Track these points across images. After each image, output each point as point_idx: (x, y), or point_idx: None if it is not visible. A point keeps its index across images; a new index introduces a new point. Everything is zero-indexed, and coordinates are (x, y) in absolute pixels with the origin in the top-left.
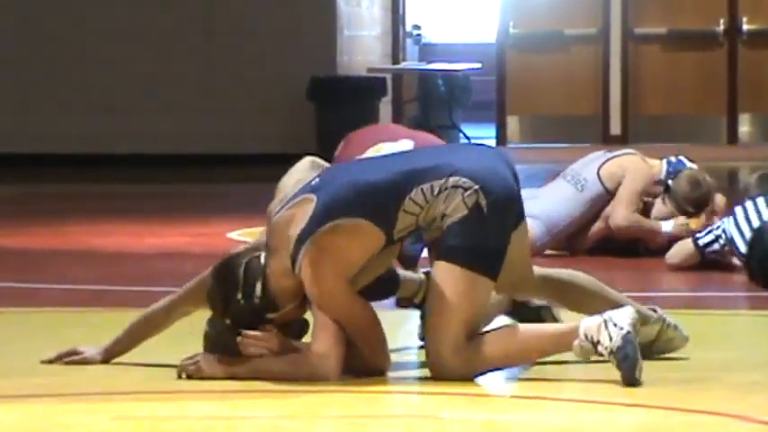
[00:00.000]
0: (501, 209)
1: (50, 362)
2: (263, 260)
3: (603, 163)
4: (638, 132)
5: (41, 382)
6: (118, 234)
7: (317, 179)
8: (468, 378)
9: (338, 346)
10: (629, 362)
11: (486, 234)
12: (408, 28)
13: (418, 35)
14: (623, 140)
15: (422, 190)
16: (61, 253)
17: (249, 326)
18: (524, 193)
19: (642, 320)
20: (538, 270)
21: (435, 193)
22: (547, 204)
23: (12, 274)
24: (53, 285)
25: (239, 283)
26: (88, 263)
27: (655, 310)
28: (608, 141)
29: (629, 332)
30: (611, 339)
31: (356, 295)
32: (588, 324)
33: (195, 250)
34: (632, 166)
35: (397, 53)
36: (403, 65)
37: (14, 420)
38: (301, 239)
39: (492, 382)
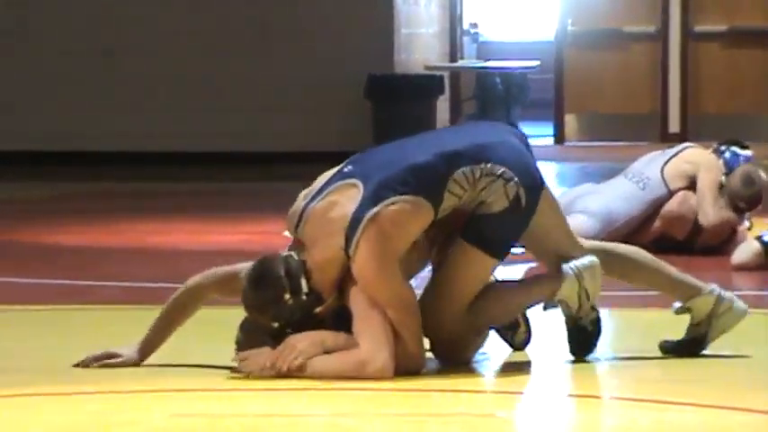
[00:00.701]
0: (535, 202)
1: (85, 366)
2: (296, 257)
3: (667, 161)
4: (696, 131)
5: (98, 379)
6: (174, 232)
7: (350, 167)
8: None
9: (389, 343)
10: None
11: (519, 227)
12: (466, 26)
13: (476, 33)
14: (682, 139)
15: (463, 172)
16: (117, 251)
17: (300, 324)
18: (584, 188)
19: (694, 292)
20: (591, 243)
21: (477, 177)
22: (606, 201)
23: (68, 272)
24: (109, 283)
25: (284, 283)
26: (144, 261)
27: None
28: (666, 140)
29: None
30: (579, 309)
31: (404, 279)
32: (565, 291)
33: (252, 248)
34: (702, 160)
35: (454, 51)
36: (460, 63)
37: (72, 419)
38: (357, 219)
39: (548, 380)
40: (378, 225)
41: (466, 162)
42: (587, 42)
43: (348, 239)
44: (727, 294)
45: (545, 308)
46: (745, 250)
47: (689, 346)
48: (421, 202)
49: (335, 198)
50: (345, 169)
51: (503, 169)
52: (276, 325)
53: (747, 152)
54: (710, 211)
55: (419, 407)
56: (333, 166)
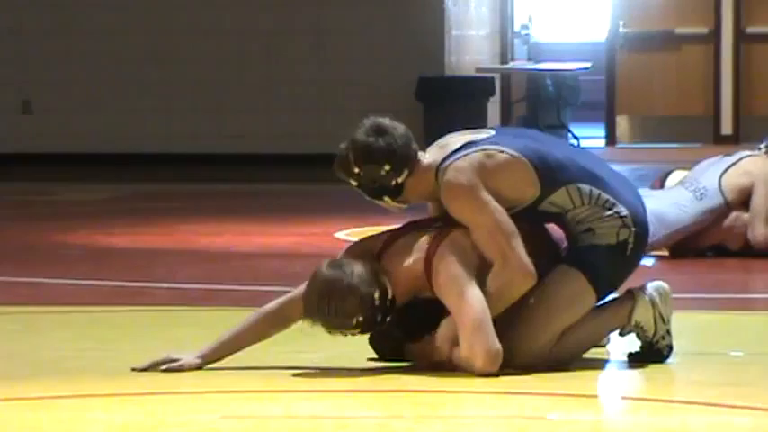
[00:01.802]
0: (639, 256)
1: (144, 370)
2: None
3: (725, 171)
4: (749, 133)
5: (150, 380)
6: (226, 233)
7: (494, 136)
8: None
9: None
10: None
11: (616, 270)
12: (517, 28)
13: (527, 35)
14: (734, 141)
15: (591, 189)
16: (169, 252)
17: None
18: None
19: (630, 306)
20: None
21: (600, 203)
22: (659, 205)
23: (121, 274)
24: (162, 284)
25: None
26: (196, 262)
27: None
28: (719, 142)
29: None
30: (655, 334)
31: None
32: (640, 315)
33: (304, 250)
34: (759, 171)
35: (505, 53)
36: (511, 65)
37: (125, 418)
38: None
39: (599, 382)
40: (481, 157)
41: (599, 186)
42: (639, 44)
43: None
44: (647, 287)
45: (621, 333)
46: None
47: (656, 353)
48: (533, 174)
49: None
50: (491, 137)
51: (625, 211)
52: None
53: None
54: (760, 231)
55: (469, 409)
56: None
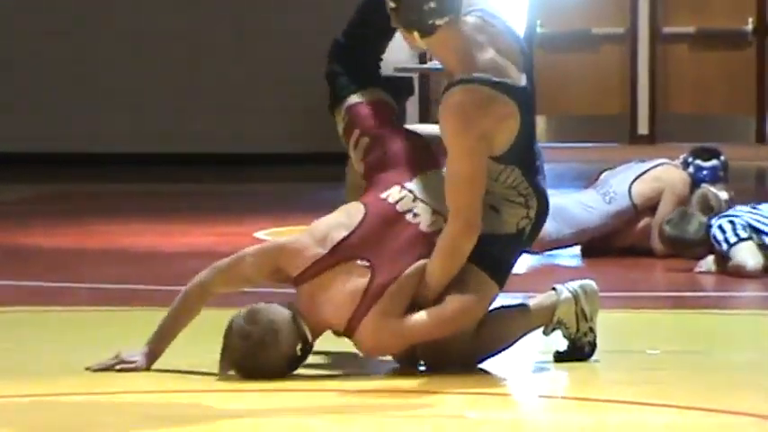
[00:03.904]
0: (531, 241)
1: (97, 370)
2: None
3: (638, 176)
4: (665, 132)
5: (73, 382)
6: (146, 233)
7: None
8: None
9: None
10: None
11: (512, 256)
12: None
13: None
14: (651, 140)
15: (521, 174)
16: (91, 252)
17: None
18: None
19: (553, 305)
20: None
21: (519, 188)
22: (564, 202)
23: (41, 274)
24: (83, 285)
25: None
26: (118, 262)
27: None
28: (635, 141)
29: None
30: (577, 331)
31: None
32: (563, 309)
33: (222, 249)
34: (670, 179)
35: (424, 53)
36: (430, 64)
37: (44, 421)
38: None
39: (518, 381)
40: (492, 93)
41: (528, 174)
42: (556, 43)
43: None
44: (571, 284)
45: (545, 332)
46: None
47: (578, 350)
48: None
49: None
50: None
51: (535, 204)
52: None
53: (713, 162)
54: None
55: (388, 408)
56: (302, 169)
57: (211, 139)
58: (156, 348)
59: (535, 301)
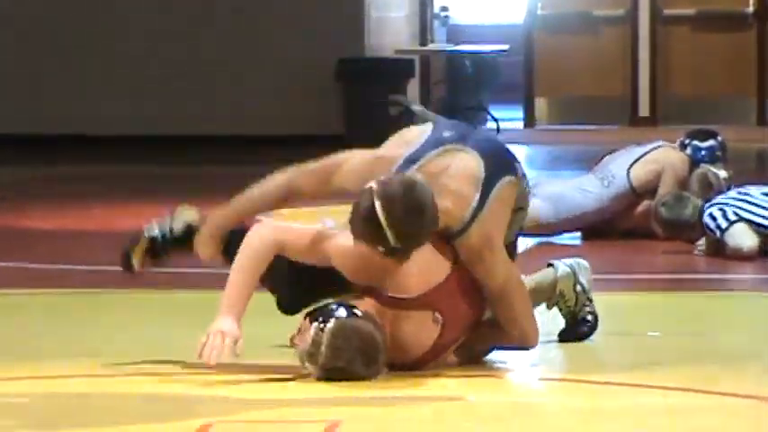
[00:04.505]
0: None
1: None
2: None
3: (637, 159)
4: (666, 114)
5: (73, 364)
6: (148, 216)
7: (452, 133)
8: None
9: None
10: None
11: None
12: (436, 9)
13: (446, 16)
14: (652, 122)
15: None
16: (90, 234)
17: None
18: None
19: (553, 280)
20: None
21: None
22: (561, 188)
23: (41, 256)
24: (82, 267)
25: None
26: (117, 245)
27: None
28: (636, 123)
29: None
30: (576, 303)
31: None
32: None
33: None
34: (668, 160)
35: (424, 34)
36: (430, 46)
37: (47, 402)
38: (484, 196)
39: (518, 364)
40: (499, 206)
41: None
42: (557, 25)
43: (472, 217)
44: (566, 260)
45: (549, 306)
46: (750, 235)
47: (582, 323)
48: (517, 183)
49: (450, 162)
50: (446, 134)
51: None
52: (381, 250)
53: (710, 142)
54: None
55: (390, 390)
56: (304, 150)
57: (210, 121)
58: (238, 307)
59: (534, 278)
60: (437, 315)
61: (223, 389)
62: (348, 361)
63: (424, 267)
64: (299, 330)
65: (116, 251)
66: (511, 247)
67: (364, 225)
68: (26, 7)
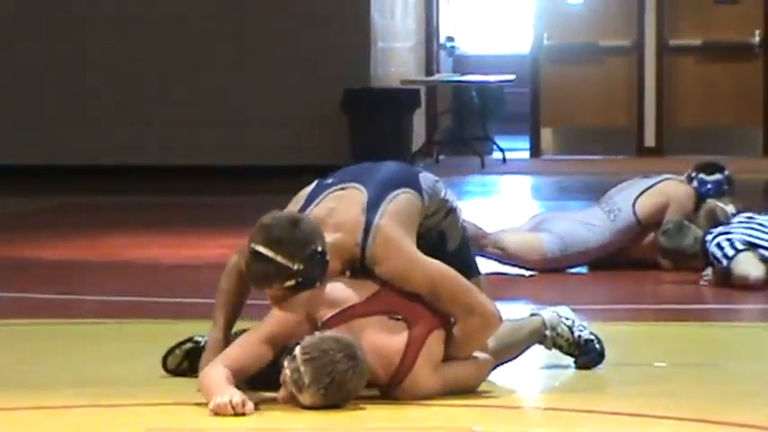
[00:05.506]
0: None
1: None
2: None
3: (642, 192)
4: (672, 145)
5: (77, 394)
6: (152, 246)
7: (330, 179)
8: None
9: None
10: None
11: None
12: (442, 39)
13: (452, 47)
14: (658, 153)
15: (427, 185)
16: (98, 265)
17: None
18: (557, 213)
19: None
20: None
21: (441, 195)
22: (570, 225)
23: (47, 286)
24: (87, 297)
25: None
26: (125, 275)
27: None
28: (642, 153)
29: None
30: (571, 331)
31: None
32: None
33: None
34: (674, 194)
35: (430, 65)
36: (437, 76)
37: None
38: (372, 214)
39: (525, 394)
40: (394, 214)
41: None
42: (563, 56)
43: (366, 233)
44: (548, 311)
45: (547, 346)
46: (755, 265)
47: (587, 344)
48: (416, 196)
49: (334, 204)
50: (328, 180)
51: (455, 203)
52: (290, 284)
53: (716, 176)
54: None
55: (395, 420)
56: (310, 180)
57: (216, 151)
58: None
59: (521, 321)
60: (394, 315)
61: (230, 421)
62: (331, 363)
63: (350, 284)
64: (282, 383)
65: (122, 281)
66: (462, 254)
67: (257, 267)
68: (40, 34)
